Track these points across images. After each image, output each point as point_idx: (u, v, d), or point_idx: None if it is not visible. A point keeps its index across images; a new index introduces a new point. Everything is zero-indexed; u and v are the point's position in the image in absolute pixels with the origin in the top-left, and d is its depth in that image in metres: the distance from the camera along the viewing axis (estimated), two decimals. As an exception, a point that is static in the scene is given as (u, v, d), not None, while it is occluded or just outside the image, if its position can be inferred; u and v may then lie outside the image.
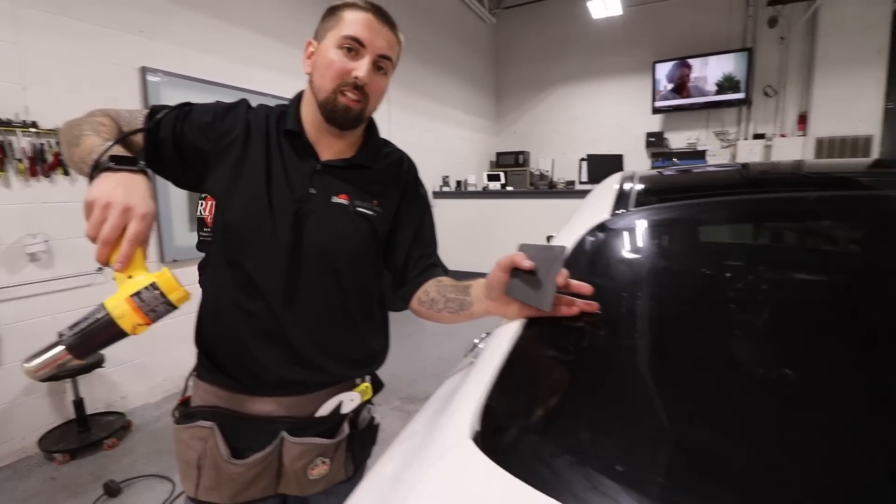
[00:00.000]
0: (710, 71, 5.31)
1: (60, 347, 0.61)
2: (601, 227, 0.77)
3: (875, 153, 4.86)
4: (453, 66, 5.52)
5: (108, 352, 2.33)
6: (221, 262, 0.84)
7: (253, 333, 0.82)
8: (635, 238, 0.75)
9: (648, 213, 0.77)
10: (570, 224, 0.86)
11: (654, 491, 0.40)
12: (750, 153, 5.19)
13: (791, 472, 0.41)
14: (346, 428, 0.84)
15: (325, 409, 0.84)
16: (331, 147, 0.87)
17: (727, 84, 5.26)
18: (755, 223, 0.81)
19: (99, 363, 2.23)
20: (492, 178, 5.68)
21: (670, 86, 5.53)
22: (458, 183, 5.47)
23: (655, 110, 5.65)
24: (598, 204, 0.88)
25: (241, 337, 0.82)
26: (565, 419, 0.49)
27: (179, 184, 0.87)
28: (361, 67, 0.79)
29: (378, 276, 0.94)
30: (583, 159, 5.26)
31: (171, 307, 0.64)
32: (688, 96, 5.46)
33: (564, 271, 0.59)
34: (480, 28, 6.18)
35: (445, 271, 0.92)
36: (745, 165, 1.29)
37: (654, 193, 0.87)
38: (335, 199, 0.85)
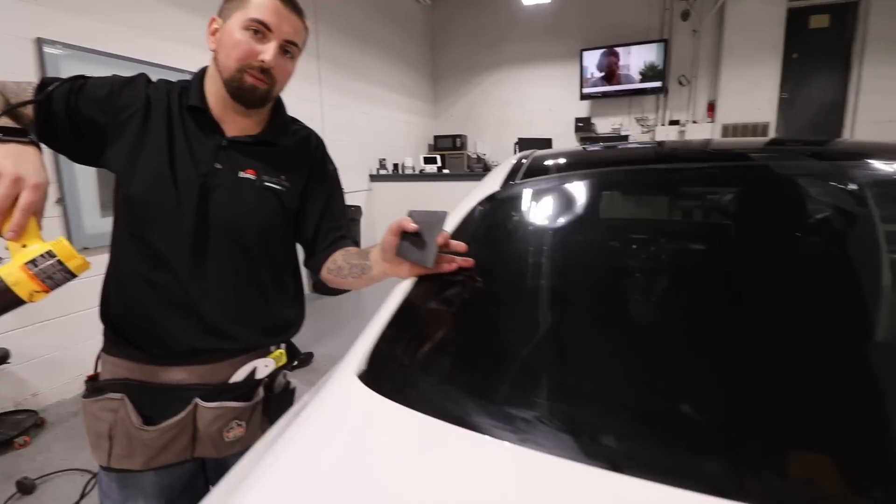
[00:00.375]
0: (632, 60, 5.64)
1: None
2: (490, 198, 0.86)
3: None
4: (387, 47, 5.46)
5: (14, 348, 2.19)
6: (126, 235, 0.84)
7: (161, 304, 0.83)
8: (516, 205, 0.85)
9: (531, 184, 0.87)
10: (467, 197, 0.95)
11: (497, 399, 0.50)
12: (666, 138, 5.60)
13: (616, 391, 0.52)
14: (261, 392, 0.88)
15: (238, 376, 0.86)
16: (237, 124, 0.88)
17: (650, 73, 5.61)
18: (625, 192, 0.93)
19: (3, 359, 2.09)
20: (428, 160, 5.73)
21: (597, 73, 5.81)
22: (396, 166, 5.48)
23: (583, 96, 5.93)
24: (494, 178, 0.97)
25: (149, 308, 0.83)
26: (435, 355, 0.57)
27: (74, 158, 0.86)
28: (269, 51, 0.80)
29: (290, 248, 0.96)
30: (516, 143, 5.44)
31: (70, 275, 0.65)
32: (613, 84, 5.77)
33: (445, 232, 0.67)
34: (415, 9, 6.13)
35: (355, 242, 0.97)
36: (660, 143, 1.45)
37: (542, 168, 0.98)
38: (242, 175, 0.86)
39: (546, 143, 5.21)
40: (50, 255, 0.64)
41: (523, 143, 5.22)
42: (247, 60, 0.80)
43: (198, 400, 0.82)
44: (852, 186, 0.74)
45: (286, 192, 0.90)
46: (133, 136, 0.83)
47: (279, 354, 0.92)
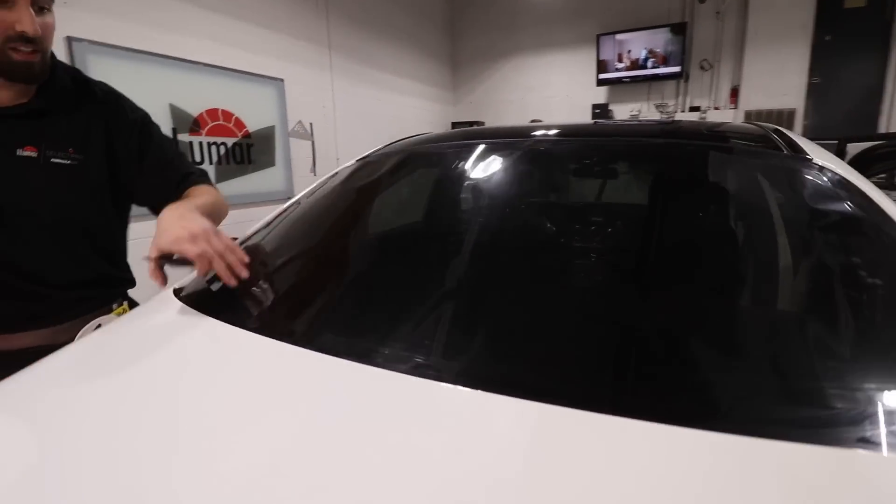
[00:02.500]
0: (651, 44, 5.52)
1: None
2: (359, 162, 1.09)
3: (798, 126, 5.17)
4: (405, 36, 5.62)
5: None
6: None
7: None
8: (361, 169, 1.06)
9: (380, 153, 1.09)
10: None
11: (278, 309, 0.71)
12: (682, 125, 5.45)
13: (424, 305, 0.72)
14: None
15: (84, 333, 0.83)
16: (5, 94, 0.79)
17: (666, 58, 5.48)
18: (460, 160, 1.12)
19: None
20: (442, 146, 5.88)
21: (614, 59, 5.73)
22: (409, 151, 5.67)
23: (600, 82, 5.86)
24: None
25: None
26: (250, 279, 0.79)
27: None
28: (24, 19, 0.72)
29: (106, 213, 0.93)
30: (527, 129, 5.49)
31: None
32: (631, 69, 5.68)
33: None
34: (435, -2, 6.24)
35: (201, 175, 0.98)
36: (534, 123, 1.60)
37: (402, 143, 1.18)
38: (21, 153, 0.80)
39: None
40: None
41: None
42: (4, 35, 0.72)
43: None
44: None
45: (79, 165, 0.84)
46: None
47: (122, 310, 0.95)
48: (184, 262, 0.74)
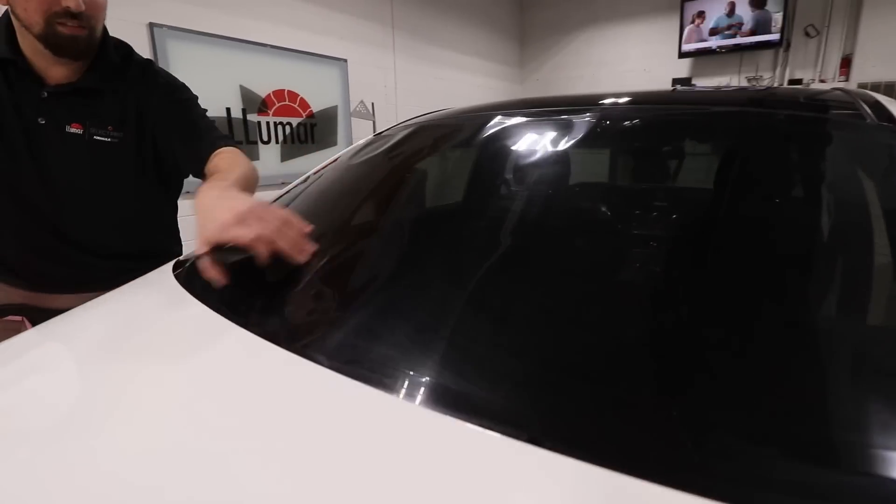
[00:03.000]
0: (743, 9, 4.92)
1: None
2: (373, 138, 1.05)
3: (927, 100, 4.40)
4: (470, 10, 5.47)
5: None
6: None
7: (36, 256, 0.89)
8: (373, 143, 1.03)
9: (392, 130, 1.05)
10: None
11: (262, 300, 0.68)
12: (777, 100, 4.85)
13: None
14: None
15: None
16: (59, 71, 0.82)
17: (763, 24, 4.86)
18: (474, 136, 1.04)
19: None
20: (505, 126, 5.71)
21: (701, 27, 5.18)
22: (471, 131, 5.58)
23: (683, 54, 5.35)
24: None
25: (27, 257, 0.90)
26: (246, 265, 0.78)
27: None
28: None
29: (150, 188, 0.96)
30: (596, 107, 5.17)
31: None
32: (720, 38, 5.11)
33: None
34: (504, -31, 5.99)
35: (226, 139, 0.95)
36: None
37: (418, 119, 1.12)
38: (69, 130, 0.83)
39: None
40: None
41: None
42: (50, 10, 0.74)
43: None
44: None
45: (120, 142, 0.86)
46: None
47: None
48: (238, 250, 0.63)
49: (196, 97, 1.02)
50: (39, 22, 0.75)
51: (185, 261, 0.84)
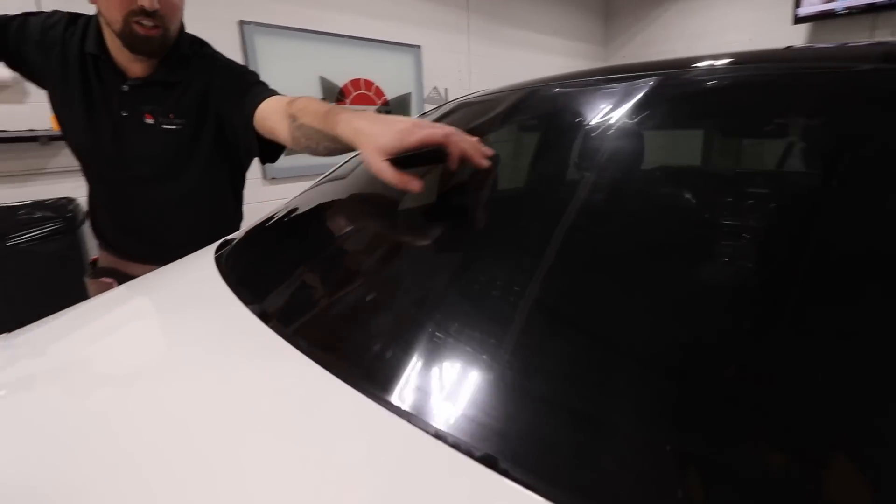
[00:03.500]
0: (881, -40, 4.16)
1: None
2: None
3: None
4: (550, -13, 5.23)
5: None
6: (84, 167, 1.00)
7: (121, 229, 1.02)
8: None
9: (464, 100, 1.02)
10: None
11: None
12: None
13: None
14: None
15: None
16: (138, 67, 0.90)
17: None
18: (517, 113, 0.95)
19: None
20: (585, 108, 5.42)
21: (822, -15, 4.49)
22: (548, 115, 5.37)
23: (798, 19, 4.67)
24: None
25: (109, 227, 1.03)
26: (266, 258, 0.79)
27: (39, 86, 0.97)
28: None
29: (215, 176, 1.02)
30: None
31: None
32: (847, -3, 4.39)
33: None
34: (589, -61, 5.63)
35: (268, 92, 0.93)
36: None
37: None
38: (146, 120, 0.91)
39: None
40: None
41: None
42: (127, 8, 0.80)
43: None
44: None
45: (183, 129, 0.92)
46: (57, 77, 0.90)
47: None
48: (417, 159, 0.57)
49: (255, 73, 1.04)
50: (118, 20, 0.81)
51: (229, 242, 0.89)
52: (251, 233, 0.90)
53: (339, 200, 0.87)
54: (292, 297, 0.64)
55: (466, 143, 0.58)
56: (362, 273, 0.64)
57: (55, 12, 0.91)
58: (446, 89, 4.32)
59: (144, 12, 0.79)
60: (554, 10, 5.33)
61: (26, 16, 0.90)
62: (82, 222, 2.39)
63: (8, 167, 2.39)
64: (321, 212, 0.85)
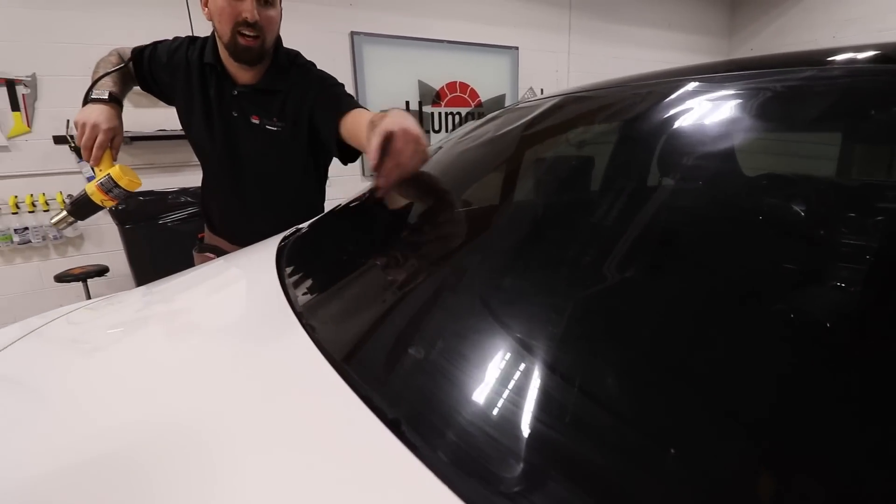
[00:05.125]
0: None
1: (65, 212, 0.95)
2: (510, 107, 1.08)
3: None
4: (666, -22, 4.89)
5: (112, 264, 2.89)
6: (201, 162, 1.20)
7: (222, 214, 1.23)
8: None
9: (535, 101, 1.03)
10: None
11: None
12: None
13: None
14: None
15: None
16: (245, 75, 1.07)
17: None
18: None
19: (103, 272, 2.72)
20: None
21: None
22: (654, 114, 5.03)
23: None
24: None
25: (217, 214, 1.24)
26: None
27: (167, 102, 1.17)
28: (247, 7, 0.94)
29: (306, 174, 1.19)
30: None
31: (124, 190, 0.93)
32: None
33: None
34: (715, -78, 5.14)
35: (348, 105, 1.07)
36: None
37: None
38: (252, 120, 1.07)
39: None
40: (109, 177, 0.91)
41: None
42: (234, 21, 0.95)
43: None
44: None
45: (282, 131, 1.07)
46: (182, 89, 1.08)
47: None
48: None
49: (343, 85, 1.17)
50: (227, 32, 0.97)
51: (292, 234, 1.01)
52: (309, 230, 1.02)
53: (401, 199, 0.86)
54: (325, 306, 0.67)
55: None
56: (428, 300, 0.57)
57: (177, 38, 1.13)
58: (542, 89, 4.29)
59: (247, 23, 0.95)
60: (669, 2, 4.97)
61: (155, 44, 1.11)
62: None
63: (164, 160, 2.94)
64: (382, 211, 0.88)
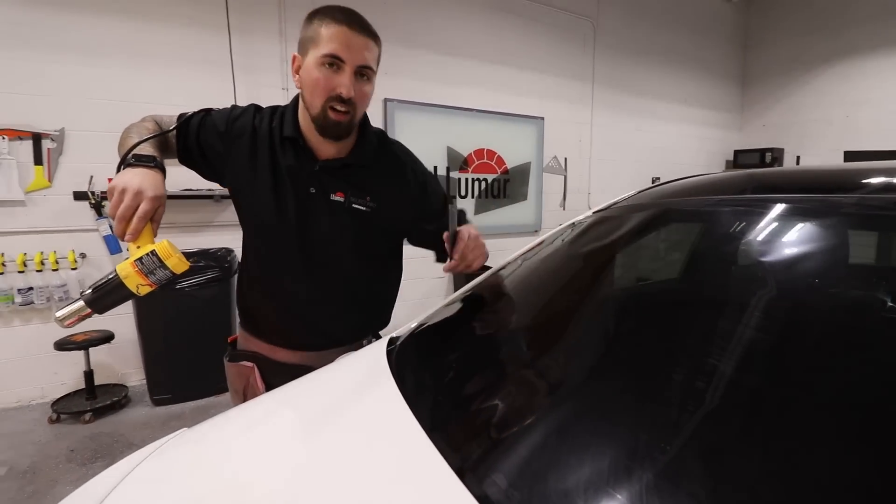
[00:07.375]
0: None
1: (81, 303, 0.72)
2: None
3: None
4: (681, 54, 5.08)
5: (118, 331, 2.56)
6: (248, 244, 1.02)
7: (275, 309, 1.00)
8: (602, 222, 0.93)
9: (625, 205, 0.94)
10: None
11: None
12: None
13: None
14: None
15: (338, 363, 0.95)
16: (328, 149, 0.95)
17: None
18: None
19: (109, 339, 2.55)
20: (718, 179, 5.00)
21: None
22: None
23: None
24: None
25: (266, 309, 1.01)
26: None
27: (206, 176, 1.01)
28: (344, 83, 0.86)
29: (383, 260, 1.06)
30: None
31: (170, 272, 0.74)
32: None
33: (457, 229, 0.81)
34: (723, 10, 5.44)
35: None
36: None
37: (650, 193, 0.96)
38: (333, 197, 0.95)
39: (886, 156, 3.78)
40: (153, 254, 0.72)
41: (849, 158, 3.96)
42: (328, 95, 0.86)
43: None
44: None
45: (372, 211, 0.97)
46: (244, 160, 0.95)
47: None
48: None
49: (432, 174, 1.11)
50: (318, 105, 0.88)
51: (398, 339, 0.86)
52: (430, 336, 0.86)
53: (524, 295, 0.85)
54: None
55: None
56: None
57: (236, 107, 1.01)
58: (566, 158, 4.30)
59: (341, 99, 0.86)
60: (683, 79, 5.15)
61: (208, 111, 0.98)
62: (236, 272, 2.66)
63: (187, 219, 2.80)
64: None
